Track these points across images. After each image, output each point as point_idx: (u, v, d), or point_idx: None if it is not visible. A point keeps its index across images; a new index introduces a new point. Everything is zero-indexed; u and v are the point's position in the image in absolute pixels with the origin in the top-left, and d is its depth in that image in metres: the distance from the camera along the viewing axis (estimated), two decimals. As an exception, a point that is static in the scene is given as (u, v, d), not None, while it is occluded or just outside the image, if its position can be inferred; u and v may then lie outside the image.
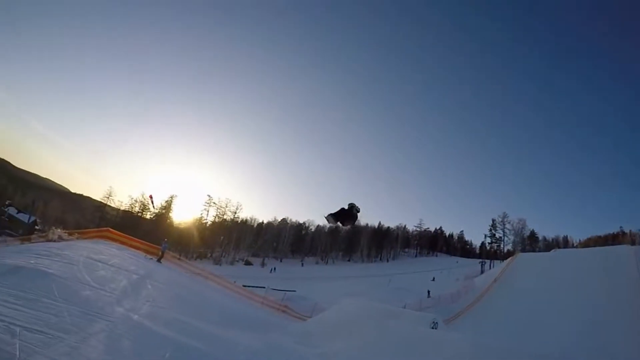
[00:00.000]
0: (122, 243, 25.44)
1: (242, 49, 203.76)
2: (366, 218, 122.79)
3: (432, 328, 19.71)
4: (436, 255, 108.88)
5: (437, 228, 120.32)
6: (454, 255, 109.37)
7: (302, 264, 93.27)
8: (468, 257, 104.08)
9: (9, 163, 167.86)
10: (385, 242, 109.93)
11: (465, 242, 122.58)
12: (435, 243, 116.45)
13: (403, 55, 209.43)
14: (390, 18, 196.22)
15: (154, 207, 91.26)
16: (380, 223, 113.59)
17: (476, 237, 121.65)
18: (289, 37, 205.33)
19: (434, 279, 63.74)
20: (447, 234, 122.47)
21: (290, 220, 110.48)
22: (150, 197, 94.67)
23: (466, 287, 44.07)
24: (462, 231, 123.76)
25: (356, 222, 9.74)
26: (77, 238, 26.31)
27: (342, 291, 50.26)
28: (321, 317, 21.61)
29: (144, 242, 27.64)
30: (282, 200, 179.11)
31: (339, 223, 9.44)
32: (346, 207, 9.42)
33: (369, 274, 77.59)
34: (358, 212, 9.47)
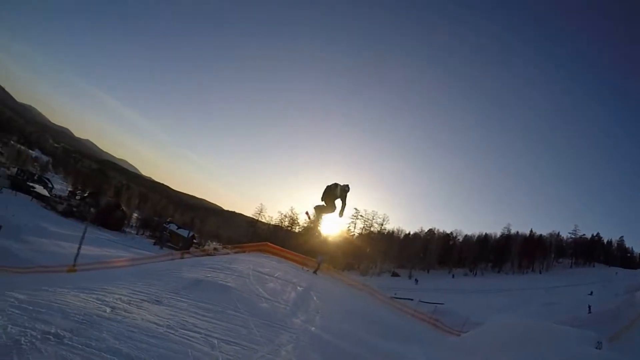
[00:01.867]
0: (279, 256, 25.99)
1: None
2: (517, 226, 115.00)
3: (597, 348, 17.38)
4: (593, 266, 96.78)
5: (594, 235, 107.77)
6: (613, 265, 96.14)
7: (453, 276, 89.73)
8: (629, 267, 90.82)
9: (168, 187, 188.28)
10: (537, 252, 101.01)
11: (626, 250, 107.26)
12: (592, 252, 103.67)
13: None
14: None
15: (310, 220, 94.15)
16: (532, 231, 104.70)
17: (639, 244, 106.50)
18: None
19: (591, 293, 57.25)
20: (605, 241, 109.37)
21: (437, 230, 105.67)
22: (307, 213, 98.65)
23: (628, 302, 38.89)
24: (622, 237, 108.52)
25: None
26: (234, 251, 27.67)
27: (493, 305, 47.64)
28: (477, 333, 20.27)
29: (298, 254, 28.13)
30: (429, 211, 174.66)
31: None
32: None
33: (520, 286, 72.27)
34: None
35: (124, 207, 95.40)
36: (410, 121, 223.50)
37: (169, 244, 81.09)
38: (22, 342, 5.29)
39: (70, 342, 5.50)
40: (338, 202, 9.33)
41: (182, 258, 27.71)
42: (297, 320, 11.05)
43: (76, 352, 5.20)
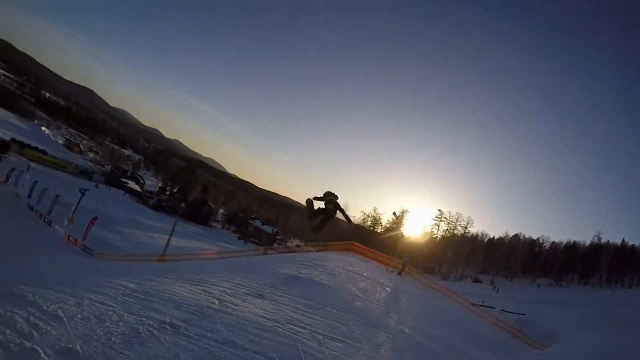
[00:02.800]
0: (364, 255, 25.83)
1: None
2: (608, 234, 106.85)
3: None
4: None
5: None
6: None
7: (538, 286, 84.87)
8: None
9: (253, 185, 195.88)
10: (629, 265, 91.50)
11: None
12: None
13: None
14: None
15: (396, 221, 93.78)
16: (624, 240, 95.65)
17: None
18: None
19: (682, 313, 52.18)
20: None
21: (523, 235, 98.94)
22: (394, 213, 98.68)
23: None
24: None
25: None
26: (316, 249, 27.91)
27: (577, 319, 44.85)
28: (561, 349, 19.33)
29: (383, 255, 27.91)
30: (516, 214, 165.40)
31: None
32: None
33: (608, 302, 67.23)
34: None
35: (210, 203, 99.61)
36: (500, 121, 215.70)
37: (253, 239, 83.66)
38: (141, 330, 5.49)
39: (186, 332, 5.68)
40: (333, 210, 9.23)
41: (265, 254, 28.34)
42: (391, 321, 11.07)
43: (194, 343, 5.35)
